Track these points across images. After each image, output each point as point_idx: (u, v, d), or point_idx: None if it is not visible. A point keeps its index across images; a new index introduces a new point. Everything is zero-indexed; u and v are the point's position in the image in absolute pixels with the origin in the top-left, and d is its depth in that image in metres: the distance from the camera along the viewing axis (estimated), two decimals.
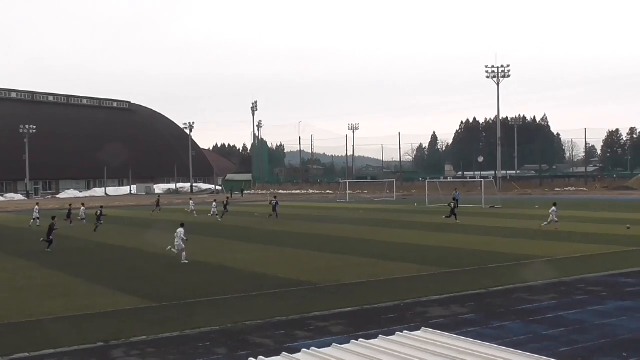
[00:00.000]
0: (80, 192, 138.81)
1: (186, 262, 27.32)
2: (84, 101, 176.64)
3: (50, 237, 33.62)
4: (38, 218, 49.82)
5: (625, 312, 16.87)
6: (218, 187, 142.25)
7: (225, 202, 59.61)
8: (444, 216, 48.08)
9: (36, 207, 53.58)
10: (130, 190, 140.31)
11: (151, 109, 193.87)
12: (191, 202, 65.15)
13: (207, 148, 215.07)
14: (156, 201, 63.46)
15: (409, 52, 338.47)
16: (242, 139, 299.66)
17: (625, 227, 38.98)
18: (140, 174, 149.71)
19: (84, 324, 16.55)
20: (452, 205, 47.89)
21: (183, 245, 27.91)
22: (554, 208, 40.50)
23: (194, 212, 59.88)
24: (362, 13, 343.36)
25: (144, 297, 20.01)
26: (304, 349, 6.07)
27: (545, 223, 39.97)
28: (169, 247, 28.81)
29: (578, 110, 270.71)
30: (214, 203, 58.13)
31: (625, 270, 23.81)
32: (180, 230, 28.39)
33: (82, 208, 52.85)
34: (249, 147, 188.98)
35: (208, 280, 23.23)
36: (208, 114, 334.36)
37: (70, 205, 57.85)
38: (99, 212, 46.95)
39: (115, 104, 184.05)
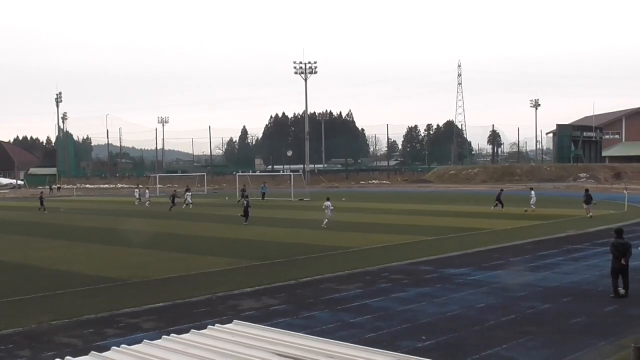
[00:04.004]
0: None
1: (325, 227, 35.83)
2: None
3: None
4: None
5: (424, 298, 17.95)
6: (20, 182, 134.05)
7: (40, 197, 57.09)
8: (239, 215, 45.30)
9: None
10: None
11: None
12: None
13: (7, 140, 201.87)
14: (40, 199, 57.34)
15: (218, 46, 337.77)
16: (45, 131, 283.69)
17: (423, 217, 41.41)
18: None
19: None
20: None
21: (330, 214, 37.25)
22: (532, 192, 45.94)
23: None
24: (173, 6, 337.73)
25: None
26: (113, 347, 5.91)
27: (531, 207, 44.79)
28: (325, 222, 36.75)
29: (380, 107, 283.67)
30: None
31: (423, 258, 25.29)
32: (328, 203, 37.52)
33: None
34: (53, 139, 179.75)
35: (8, 280, 21.81)
36: (6, 104, 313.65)
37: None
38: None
39: None
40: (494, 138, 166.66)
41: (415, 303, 17.33)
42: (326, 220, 36.98)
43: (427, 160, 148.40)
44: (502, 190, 50.11)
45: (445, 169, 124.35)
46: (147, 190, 66.28)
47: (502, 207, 46.31)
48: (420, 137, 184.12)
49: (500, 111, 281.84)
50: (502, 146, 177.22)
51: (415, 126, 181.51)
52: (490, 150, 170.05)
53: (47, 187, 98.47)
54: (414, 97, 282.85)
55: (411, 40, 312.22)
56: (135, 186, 74.99)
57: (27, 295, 19.00)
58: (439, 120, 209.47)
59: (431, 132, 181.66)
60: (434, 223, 38.68)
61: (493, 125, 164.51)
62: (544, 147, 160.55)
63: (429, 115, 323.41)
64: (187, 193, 58.23)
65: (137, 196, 65.87)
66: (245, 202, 43.27)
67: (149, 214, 51.55)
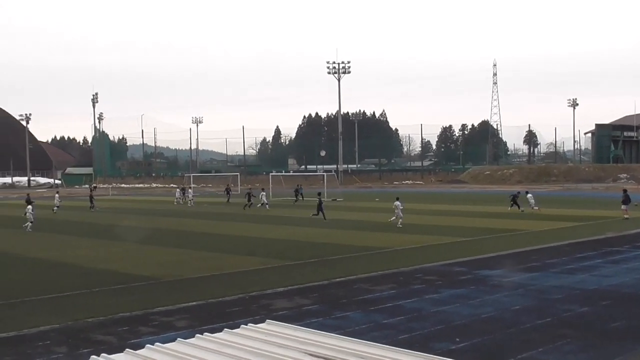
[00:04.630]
0: None
1: (400, 226, 36.25)
2: None
3: None
4: None
5: (458, 299, 17.72)
6: (57, 181, 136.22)
7: (90, 196, 59.42)
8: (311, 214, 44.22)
9: None
10: None
11: None
12: (57, 195, 59.73)
13: (45, 140, 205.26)
14: (90, 198, 58.85)
15: (252, 47, 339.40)
16: (82, 132, 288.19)
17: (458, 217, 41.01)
18: None
19: None
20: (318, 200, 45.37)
21: (402, 214, 37.57)
22: (529, 195, 47.86)
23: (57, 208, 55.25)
24: (207, 6, 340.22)
25: None
26: (148, 345, 5.89)
27: (535, 208, 45.90)
28: (391, 219, 38.00)
29: (414, 106, 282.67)
30: (57, 195, 55.84)
31: (457, 259, 25.00)
32: (397, 203, 37.90)
33: (57, 196, 55.03)
34: (89, 139, 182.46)
35: (47, 278, 22.11)
36: (46, 105, 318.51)
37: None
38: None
39: None
40: (530, 138, 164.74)
41: (449, 304, 17.11)
42: (400, 219, 37.39)
43: (462, 160, 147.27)
44: (519, 192, 49.99)
45: (480, 169, 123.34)
46: (190, 190, 66.78)
47: (511, 207, 46.91)
48: (455, 137, 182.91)
49: (537, 111, 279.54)
50: (539, 146, 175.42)
51: (450, 126, 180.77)
52: (526, 151, 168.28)
53: (88, 186, 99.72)
54: (448, 97, 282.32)
55: (446, 40, 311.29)
56: (178, 186, 75.66)
57: (64, 292, 19.20)
58: (473, 120, 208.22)
59: (466, 132, 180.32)
60: (469, 224, 38.30)
61: (529, 125, 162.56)
62: (582, 148, 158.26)
63: (464, 115, 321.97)
64: (262, 193, 56.11)
65: (178, 196, 66.33)
66: (318, 200, 44.34)
67: (184, 213, 51.92)
